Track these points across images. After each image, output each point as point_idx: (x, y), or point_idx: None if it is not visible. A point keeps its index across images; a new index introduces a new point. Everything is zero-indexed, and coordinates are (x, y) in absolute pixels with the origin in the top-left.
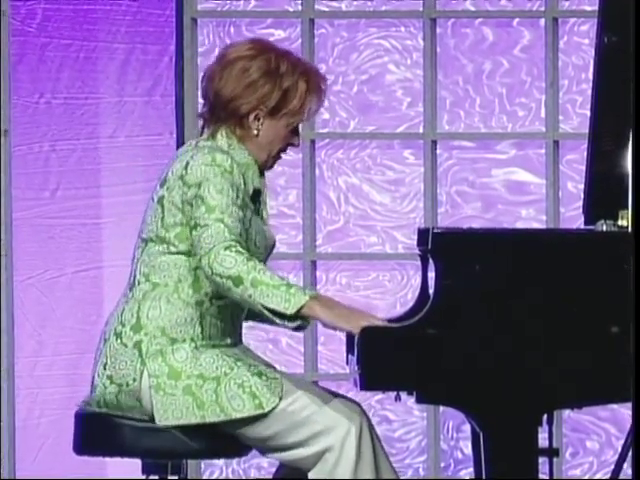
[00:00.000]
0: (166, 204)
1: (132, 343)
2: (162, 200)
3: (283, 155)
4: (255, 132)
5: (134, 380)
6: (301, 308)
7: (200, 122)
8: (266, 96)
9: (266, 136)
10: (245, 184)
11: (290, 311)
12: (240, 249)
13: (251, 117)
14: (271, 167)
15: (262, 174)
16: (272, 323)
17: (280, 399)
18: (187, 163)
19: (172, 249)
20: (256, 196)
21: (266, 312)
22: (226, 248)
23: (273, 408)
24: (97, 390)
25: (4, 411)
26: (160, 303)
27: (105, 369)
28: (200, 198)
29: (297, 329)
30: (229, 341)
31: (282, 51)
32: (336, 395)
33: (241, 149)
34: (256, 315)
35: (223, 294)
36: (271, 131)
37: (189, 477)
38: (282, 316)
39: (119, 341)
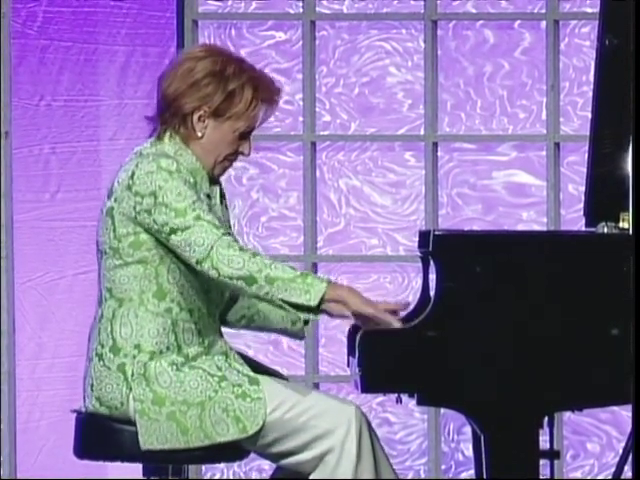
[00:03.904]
0: (116, 215)
1: (115, 366)
2: (111, 211)
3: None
4: (199, 134)
5: (122, 404)
6: (323, 296)
7: (151, 126)
8: (209, 96)
9: (210, 139)
10: (195, 187)
11: (313, 302)
12: (241, 245)
13: (195, 117)
14: (219, 175)
15: (214, 182)
16: (279, 331)
17: (264, 422)
18: (133, 172)
19: (128, 260)
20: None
21: (287, 306)
22: (227, 247)
23: (258, 430)
24: (88, 408)
25: (4, 413)
26: (130, 319)
27: (92, 390)
28: (163, 206)
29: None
30: (207, 342)
31: (233, 56)
32: (334, 398)
33: (188, 154)
34: (255, 324)
35: (235, 292)
36: (216, 134)
37: (190, 478)
38: (304, 308)
39: (102, 363)
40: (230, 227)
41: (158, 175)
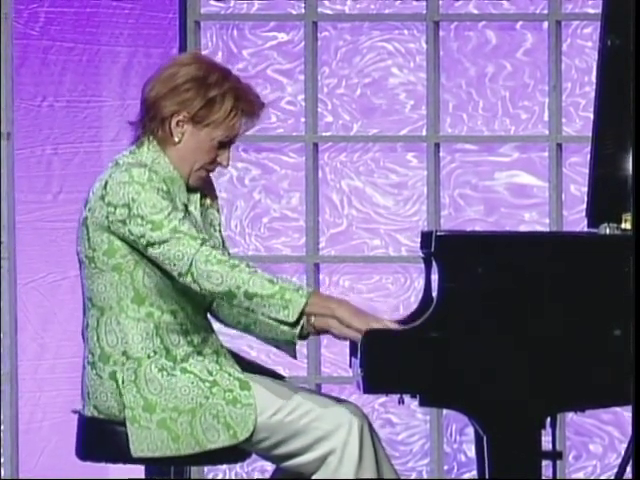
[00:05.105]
0: (90, 225)
1: (107, 375)
2: (86, 221)
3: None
4: (176, 139)
5: (120, 412)
6: (302, 311)
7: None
8: (188, 101)
9: (188, 145)
10: (170, 195)
11: (291, 318)
12: (219, 256)
13: (173, 122)
14: (195, 184)
15: (192, 191)
16: (266, 338)
17: (254, 428)
18: (106, 182)
19: (103, 268)
20: (185, 211)
21: (269, 321)
22: (206, 261)
23: (248, 437)
24: (87, 414)
25: (7, 414)
26: (113, 327)
27: (89, 398)
28: (138, 217)
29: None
30: (196, 341)
31: (219, 65)
32: (335, 399)
33: (165, 162)
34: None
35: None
36: (193, 141)
37: (192, 479)
38: (285, 324)
39: (94, 372)
40: (220, 231)
41: (130, 187)
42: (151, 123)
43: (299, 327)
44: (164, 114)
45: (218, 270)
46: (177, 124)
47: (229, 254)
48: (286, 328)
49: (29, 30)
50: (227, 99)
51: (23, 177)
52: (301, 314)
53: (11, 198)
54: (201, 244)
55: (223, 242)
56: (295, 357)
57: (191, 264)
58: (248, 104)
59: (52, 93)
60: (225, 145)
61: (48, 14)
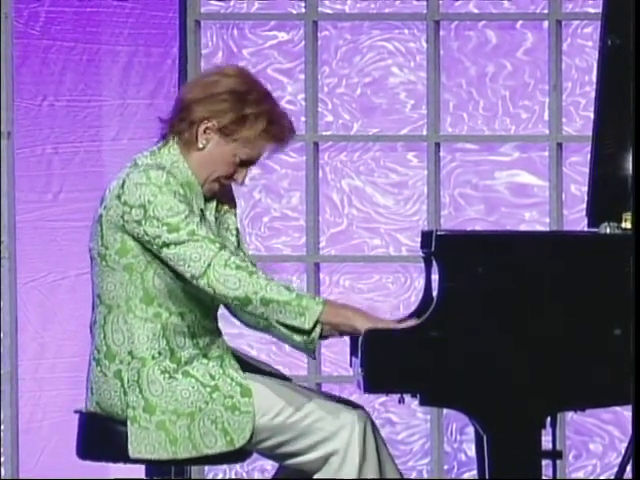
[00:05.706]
0: (104, 223)
1: (112, 373)
2: (101, 219)
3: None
4: (201, 145)
5: (122, 411)
6: (318, 318)
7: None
8: (221, 112)
9: (210, 153)
10: (186, 198)
11: (307, 325)
12: (238, 262)
13: (201, 128)
14: (207, 194)
15: (209, 197)
16: (285, 339)
17: (251, 435)
18: (123, 182)
19: (114, 266)
20: (201, 217)
21: (282, 328)
22: (224, 265)
23: (245, 443)
24: (89, 410)
25: (7, 414)
26: (120, 326)
27: (92, 394)
28: (154, 219)
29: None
30: (202, 344)
31: (261, 86)
32: (339, 399)
33: (185, 167)
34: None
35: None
36: (217, 151)
37: (192, 478)
38: (300, 331)
39: (99, 369)
40: (237, 235)
41: (147, 189)
42: (180, 124)
43: (313, 335)
44: (194, 118)
45: (236, 275)
46: (204, 131)
47: (247, 257)
48: (299, 337)
49: (29, 29)
50: (260, 120)
51: (23, 176)
52: (317, 321)
53: (11, 197)
54: (220, 248)
55: (239, 246)
56: (314, 358)
57: (208, 267)
58: (280, 130)
59: (52, 92)
60: (245, 164)
61: (48, 13)
